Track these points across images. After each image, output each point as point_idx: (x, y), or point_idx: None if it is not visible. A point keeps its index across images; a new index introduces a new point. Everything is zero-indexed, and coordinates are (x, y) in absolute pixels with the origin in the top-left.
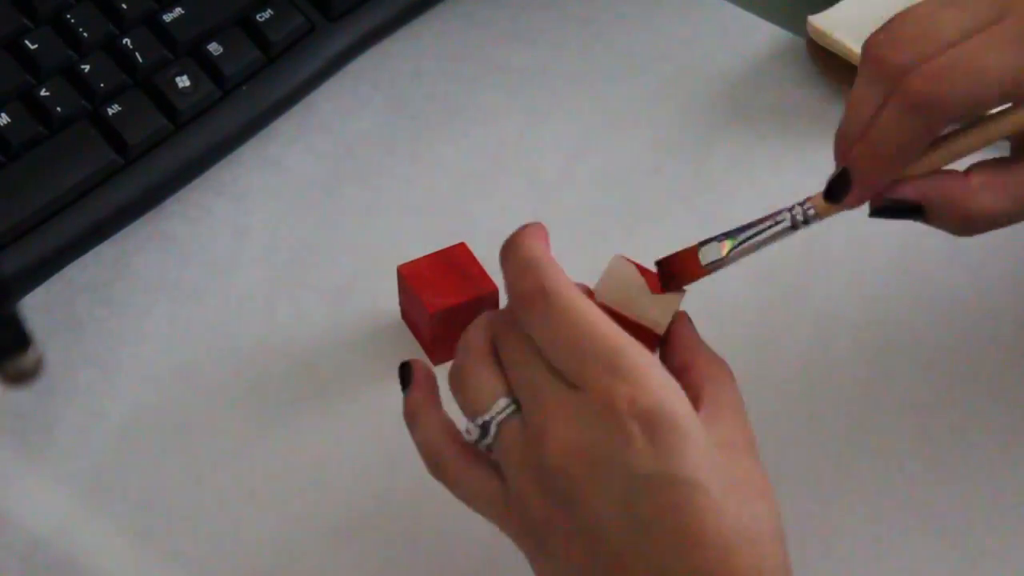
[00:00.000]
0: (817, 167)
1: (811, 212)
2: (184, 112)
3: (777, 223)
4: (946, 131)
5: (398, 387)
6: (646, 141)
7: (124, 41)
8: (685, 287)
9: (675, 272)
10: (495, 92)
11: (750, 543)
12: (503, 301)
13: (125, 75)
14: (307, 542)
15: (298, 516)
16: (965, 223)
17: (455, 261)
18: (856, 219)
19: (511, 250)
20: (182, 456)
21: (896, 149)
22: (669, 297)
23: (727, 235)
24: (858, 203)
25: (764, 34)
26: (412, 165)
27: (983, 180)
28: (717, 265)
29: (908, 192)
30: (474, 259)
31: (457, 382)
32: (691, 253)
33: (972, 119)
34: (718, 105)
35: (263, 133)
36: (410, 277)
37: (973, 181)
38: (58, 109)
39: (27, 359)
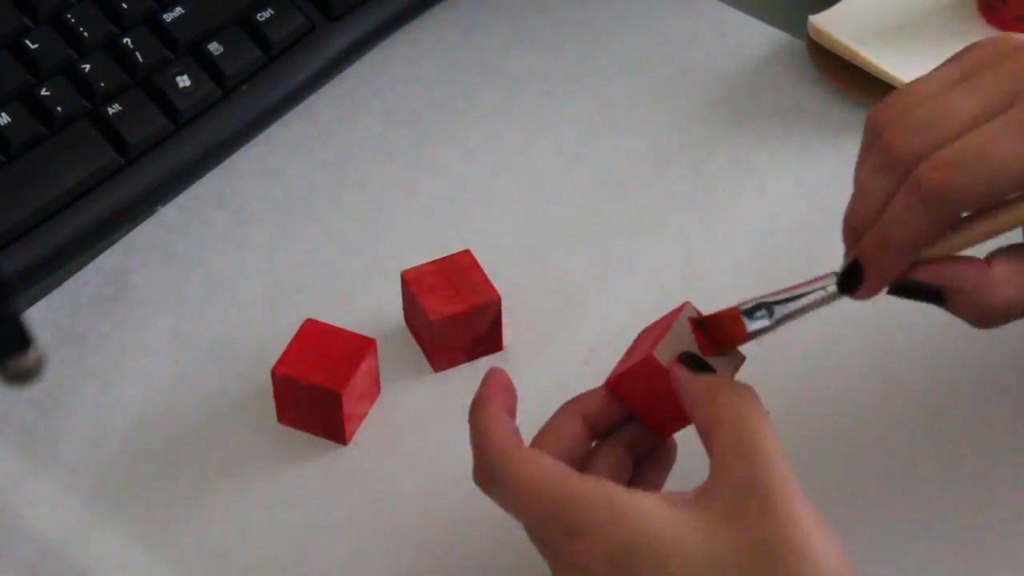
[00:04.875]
0: (817, 168)
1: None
2: (184, 112)
3: (821, 290)
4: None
5: (402, 394)
6: (646, 144)
7: (124, 40)
8: (743, 353)
9: (720, 338)
10: (494, 96)
11: None
12: (505, 310)
13: (125, 75)
14: (313, 548)
15: (304, 523)
16: (985, 315)
17: (459, 268)
18: None
19: (470, 417)
20: (187, 467)
21: (909, 241)
22: (728, 360)
23: (767, 304)
24: (872, 294)
25: (762, 36)
26: (412, 171)
27: (1006, 271)
28: (764, 332)
29: (928, 276)
30: (478, 266)
31: None
32: (734, 318)
33: (988, 206)
34: (718, 107)
35: (262, 142)
36: (413, 283)
37: (996, 271)
38: (58, 109)
39: (28, 359)
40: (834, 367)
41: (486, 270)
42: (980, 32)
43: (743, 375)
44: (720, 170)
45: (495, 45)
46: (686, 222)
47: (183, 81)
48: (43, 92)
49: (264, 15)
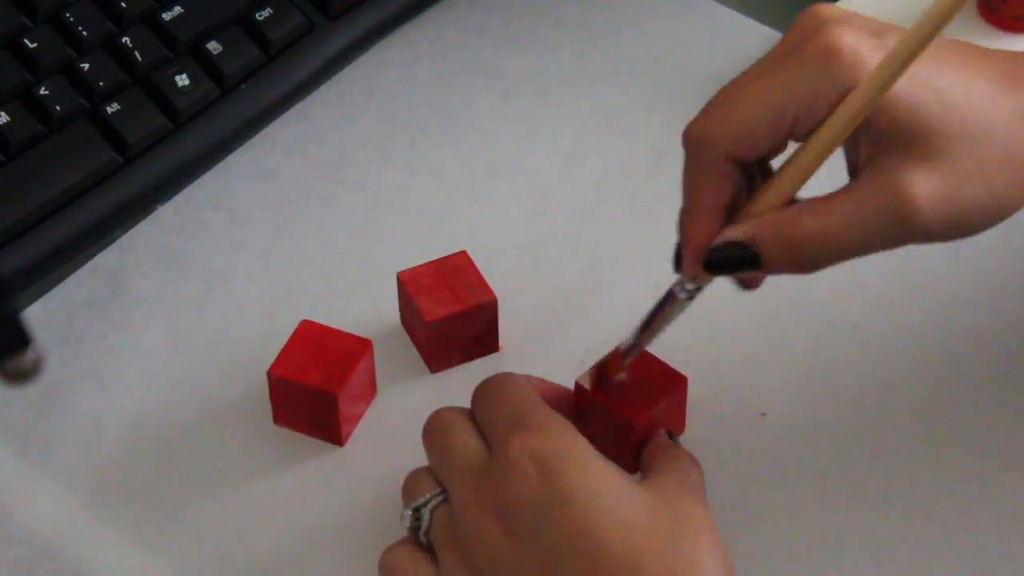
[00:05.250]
0: None
1: (696, 281)
2: (183, 111)
3: (672, 302)
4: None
5: (399, 393)
6: (643, 144)
7: (123, 40)
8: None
9: (605, 374)
10: (490, 97)
11: (662, 555)
12: (501, 311)
13: (124, 74)
14: (309, 549)
15: (300, 524)
16: (795, 253)
17: (455, 269)
18: None
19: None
20: (183, 468)
21: (698, 198)
22: None
23: (640, 329)
24: (692, 264)
25: (759, 36)
26: (409, 172)
27: (805, 204)
28: (635, 354)
29: (733, 233)
30: (474, 267)
31: (404, 485)
32: (616, 355)
33: (765, 151)
34: None
35: (258, 143)
36: (409, 284)
37: (795, 207)
38: (57, 108)
39: (27, 358)
40: (832, 367)
41: (482, 271)
42: (980, 32)
43: (746, 375)
44: None
45: (492, 46)
46: None
47: (182, 80)
48: (42, 91)
49: (263, 14)
